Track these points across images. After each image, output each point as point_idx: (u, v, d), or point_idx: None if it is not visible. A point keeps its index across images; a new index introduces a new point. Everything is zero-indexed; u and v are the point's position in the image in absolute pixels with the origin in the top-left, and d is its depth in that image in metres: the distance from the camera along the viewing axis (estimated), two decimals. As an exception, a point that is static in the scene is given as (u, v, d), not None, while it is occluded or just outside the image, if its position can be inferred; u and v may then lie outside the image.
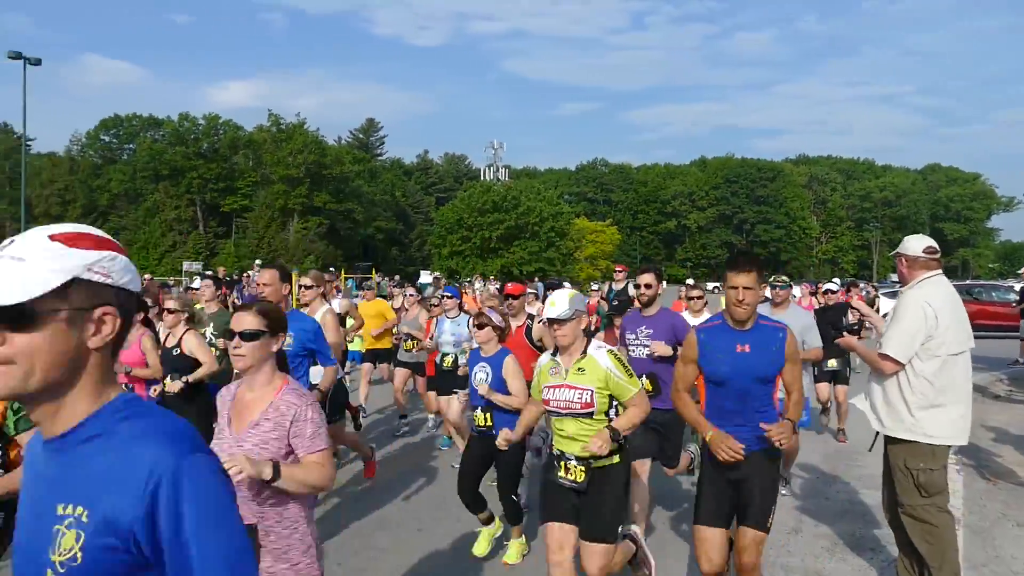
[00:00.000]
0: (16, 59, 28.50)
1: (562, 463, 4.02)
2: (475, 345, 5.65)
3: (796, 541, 5.78)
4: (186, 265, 49.01)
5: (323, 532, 5.94)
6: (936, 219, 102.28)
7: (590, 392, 3.91)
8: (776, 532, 5.86)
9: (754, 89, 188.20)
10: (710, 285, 49.15)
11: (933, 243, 4.68)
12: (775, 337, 3.89)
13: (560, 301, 4.03)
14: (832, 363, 9.07)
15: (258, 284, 5.60)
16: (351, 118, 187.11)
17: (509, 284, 7.44)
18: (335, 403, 6.45)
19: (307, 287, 6.52)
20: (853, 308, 7.78)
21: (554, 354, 4.14)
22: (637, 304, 5.90)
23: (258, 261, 31.12)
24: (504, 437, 4.83)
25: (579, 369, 3.98)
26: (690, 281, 16.78)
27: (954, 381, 4.42)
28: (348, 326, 9.30)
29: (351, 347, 12.18)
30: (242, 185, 75.56)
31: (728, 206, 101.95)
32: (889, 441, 4.59)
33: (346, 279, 25.57)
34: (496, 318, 5.44)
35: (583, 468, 3.94)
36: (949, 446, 4.50)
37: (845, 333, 5.76)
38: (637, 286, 5.71)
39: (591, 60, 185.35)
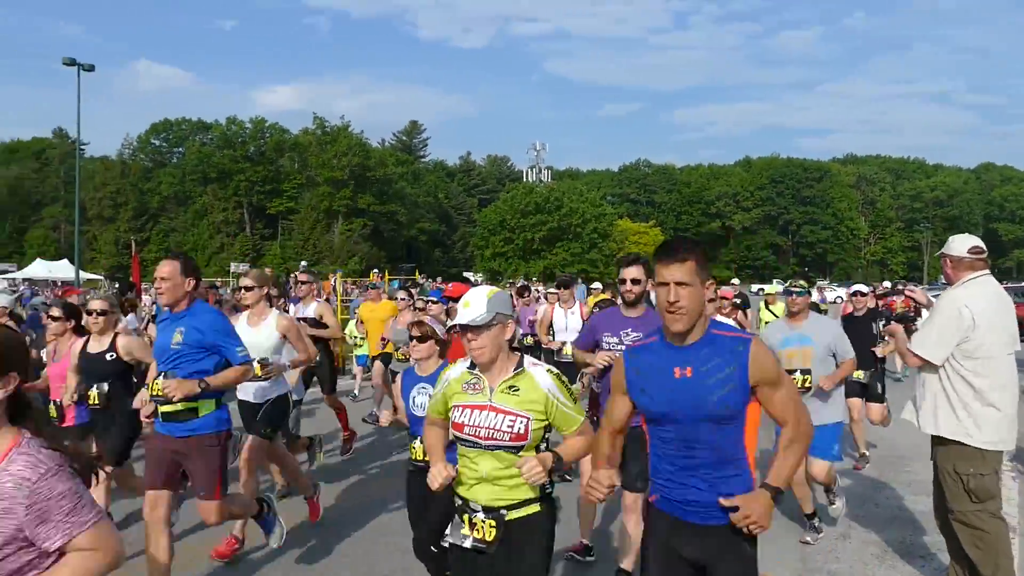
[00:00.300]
0: (70, 65, 29.31)
1: (466, 516, 3.03)
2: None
3: (844, 547, 5.69)
4: (233, 267, 49.86)
5: (359, 530, 6.03)
6: (990, 219, 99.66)
7: (525, 420, 2.92)
8: (825, 538, 5.79)
9: (800, 88, 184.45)
10: (755, 287, 48.55)
11: (979, 243, 4.55)
12: (732, 352, 2.66)
13: (476, 302, 2.95)
14: (859, 374, 7.64)
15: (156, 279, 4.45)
16: (394, 120, 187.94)
17: (449, 285, 6.16)
18: (273, 415, 5.62)
19: (247, 288, 5.62)
20: (906, 295, 7.53)
21: (472, 366, 3.08)
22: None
23: (304, 262, 31.59)
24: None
25: (510, 387, 2.97)
26: (735, 280, 16.48)
27: (997, 384, 4.31)
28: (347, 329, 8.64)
29: (358, 351, 11.90)
30: (288, 187, 76.92)
31: (774, 207, 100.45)
32: (937, 444, 4.49)
33: (390, 280, 25.80)
34: (440, 329, 4.39)
35: (494, 523, 2.95)
36: (1000, 451, 4.39)
37: (893, 322, 5.52)
38: (623, 281, 4.73)
39: (634, 60, 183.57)
